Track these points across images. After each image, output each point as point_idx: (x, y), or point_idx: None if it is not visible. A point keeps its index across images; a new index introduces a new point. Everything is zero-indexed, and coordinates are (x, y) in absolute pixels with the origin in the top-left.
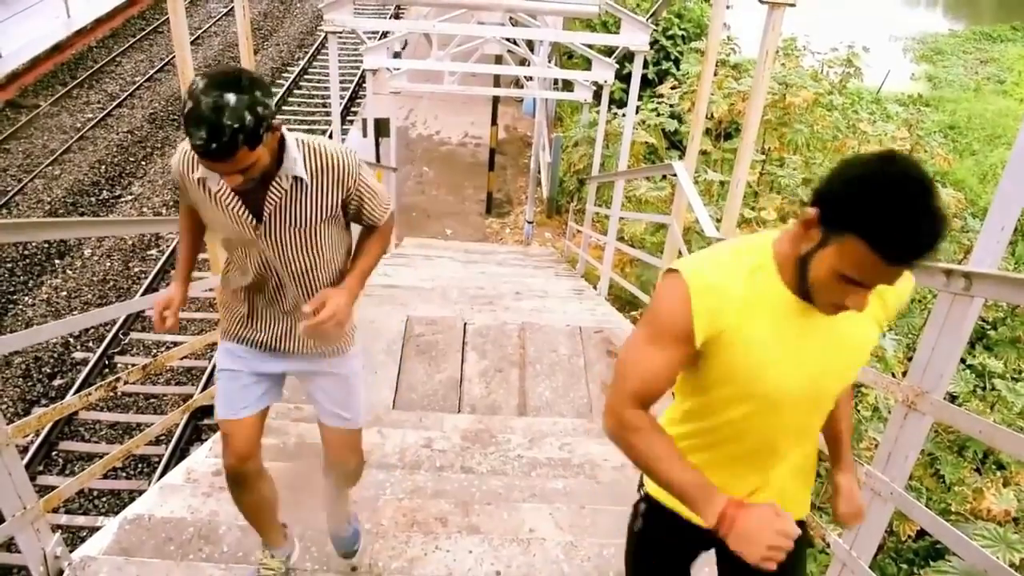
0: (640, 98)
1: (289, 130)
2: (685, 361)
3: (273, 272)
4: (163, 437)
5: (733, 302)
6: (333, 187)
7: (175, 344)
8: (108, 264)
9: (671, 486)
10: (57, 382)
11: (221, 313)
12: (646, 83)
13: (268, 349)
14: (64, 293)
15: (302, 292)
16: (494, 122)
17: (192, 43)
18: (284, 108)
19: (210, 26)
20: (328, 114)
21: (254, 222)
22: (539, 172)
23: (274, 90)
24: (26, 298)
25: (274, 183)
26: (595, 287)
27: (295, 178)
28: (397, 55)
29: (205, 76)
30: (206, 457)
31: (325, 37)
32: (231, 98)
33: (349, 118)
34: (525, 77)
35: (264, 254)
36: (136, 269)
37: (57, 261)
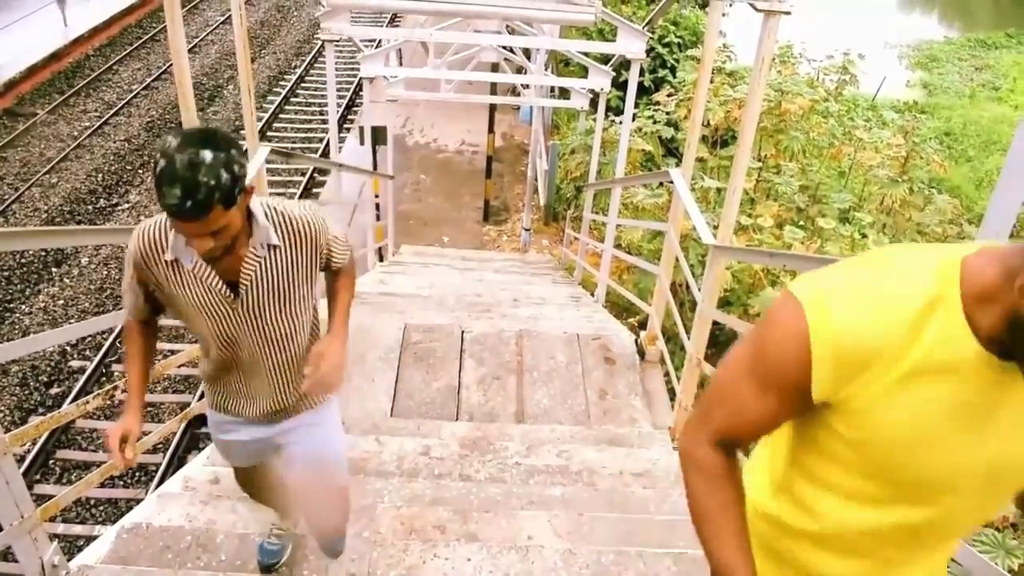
0: (637, 105)
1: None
2: (798, 411)
3: (250, 345)
4: (160, 445)
5: (882, 360)
6: (309, 251)
7: (172, 352)
8: (105, 272)
9: (707, 554)
10: (54, 391)
11: (204, 384)
12: (643, 91)
13: (253, 419)
14: (61, 301)
15: (281, 359)
16: (491, 130)
17: (189, 51)
18: (281, 116)
19: (207, 34)
20: (325, 122)
21: (231, 296)
22: (536, 179)
23: (271, 98)
24: (23, 307)
25: (249, 252)
26: (592, 294)
27: (270, 246)
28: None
29: (178, 134)
30: (203, 465)
31: (322, 45)
32: (207, 155)
33: (346, 126)
34: (522, 85)
35: (241, 327)
36: None
37: (54, 269)
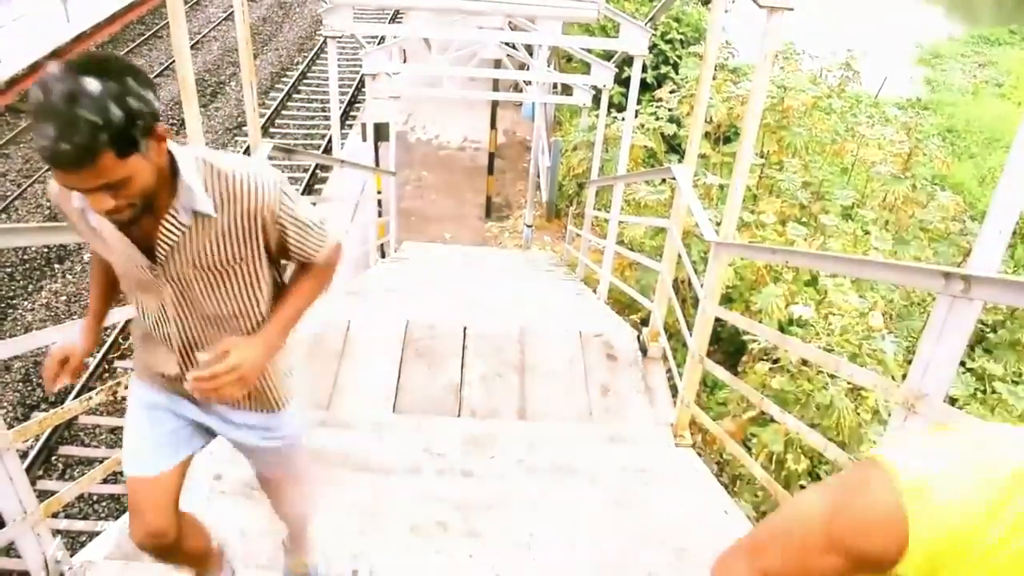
0: (639, 102)
1: (180, 143)
2: (866, 573)
3: (183, 318)
4: None
5: (974, 553)
6: (244, 219)
7: None
8: None
9: None
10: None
11: (134, 347)
12: (645, 87)
13: (186, 398)
14: (63, 298)
15: (211, 334)
16: (493, 126)
17: (192, 48)
18: (283, 113)
19: (210, 31)
20: (327, 118)
21: (147, 262)
22: (538, 176)
23: (273, 95)
24: (25, 303)
25: (167, 217)
26: (595, 291)
27: (196, 212)
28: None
29: (63, 61)
30: (206, 462)
31: (324, 42)
32: (92, 84)
33: (348, 123)
34: (524, 81)
35: (168, 299)
36: None
37: (56, 266)
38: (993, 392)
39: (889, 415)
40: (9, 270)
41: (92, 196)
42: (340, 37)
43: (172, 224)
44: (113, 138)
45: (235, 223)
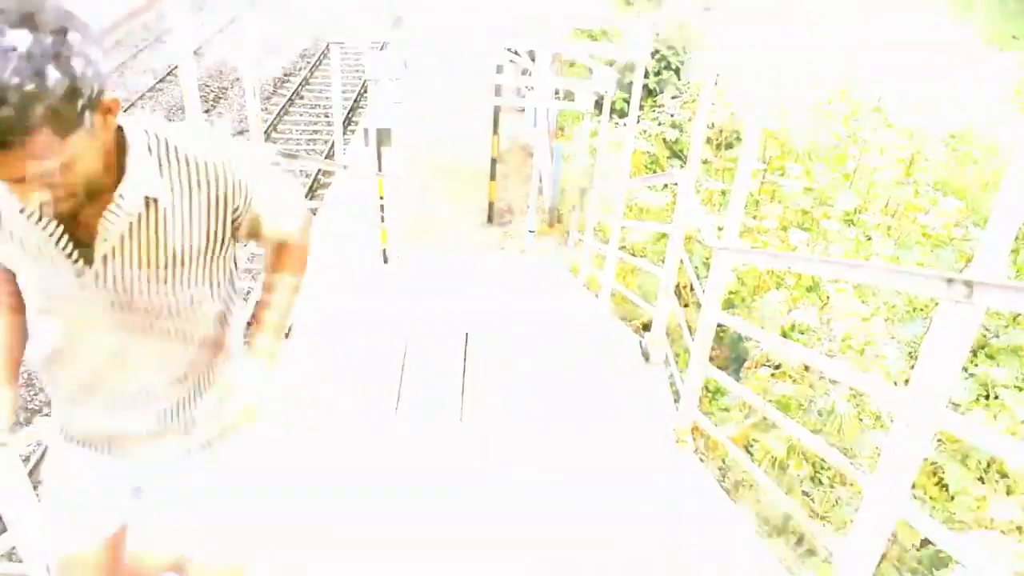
0: (641, 107)
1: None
2: None
3: (109, 336)
4: None
5: None
6: (209, 207)
7: None
8: None
9: None
10: None
11: (52, 395)
12: (647, 92)
13: (117, 449)
14: None
15: (159, 358)
16: (495, 131)
17: (195, 53)
18: (286, 118)
19: (213, 36)
20: (330, 124)
21: (80, 263)
22: (540, 181)
23: (276, 100)
24: None
25: (113, 206)
26: (597, 296)
27: (147, 199)
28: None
29: None
30: None
31: (327, 47)
32: (21, 38)
33: (351, 128)
34: (526, 86)
35: (93, 310)
36: None
37: None
38: (996, 398)
39: (891, 421)
40: None
41: (20, 187)
42: (343, 43)
43: (118, 215)
44: (51, 111)
45: (198, 211)
